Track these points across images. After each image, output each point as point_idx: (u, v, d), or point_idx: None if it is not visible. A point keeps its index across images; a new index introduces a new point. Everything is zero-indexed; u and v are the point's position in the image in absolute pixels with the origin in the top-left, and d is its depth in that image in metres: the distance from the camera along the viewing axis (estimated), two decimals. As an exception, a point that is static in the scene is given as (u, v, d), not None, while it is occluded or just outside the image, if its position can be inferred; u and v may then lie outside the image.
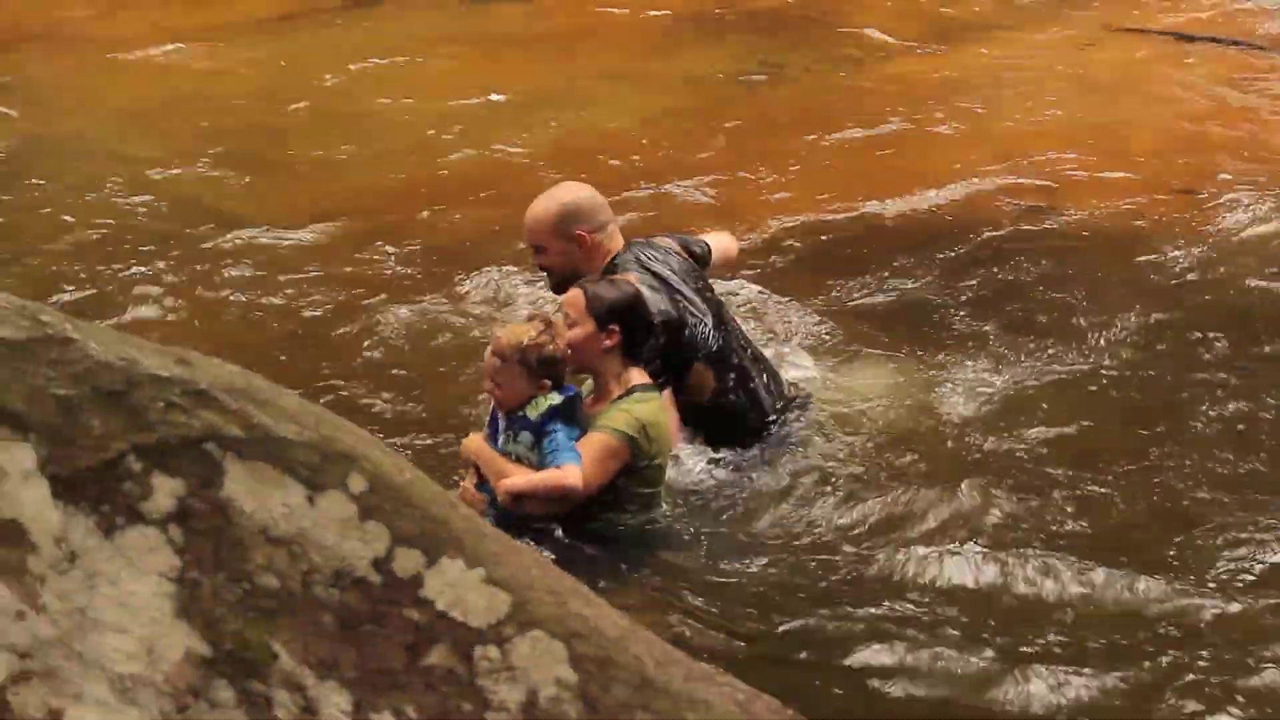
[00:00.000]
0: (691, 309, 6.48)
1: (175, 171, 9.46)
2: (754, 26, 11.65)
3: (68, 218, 8.80)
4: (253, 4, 12.60)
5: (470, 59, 11.22)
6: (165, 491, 3.23)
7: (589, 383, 6.13)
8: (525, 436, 5.80)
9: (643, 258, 6.52)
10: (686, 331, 6.38)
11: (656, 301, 6.32)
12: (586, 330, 5.98)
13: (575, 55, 11.29)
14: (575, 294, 6.06)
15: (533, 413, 5.79)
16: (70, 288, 7.93)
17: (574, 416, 5.83)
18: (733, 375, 6.46)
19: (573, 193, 6.58)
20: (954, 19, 11.87)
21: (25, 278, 7.98)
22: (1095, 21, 12.01)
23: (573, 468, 5.70)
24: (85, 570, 3.25)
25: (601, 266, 6.46)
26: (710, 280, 6.77)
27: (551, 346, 5.81)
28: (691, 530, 6.04)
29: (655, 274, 6.47)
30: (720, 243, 7.09)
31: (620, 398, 5.98)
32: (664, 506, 6.08)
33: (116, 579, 3.24)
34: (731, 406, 6.47)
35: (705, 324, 6.47)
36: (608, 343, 5.98)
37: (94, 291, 7.89)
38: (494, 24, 11.97)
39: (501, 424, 5.88)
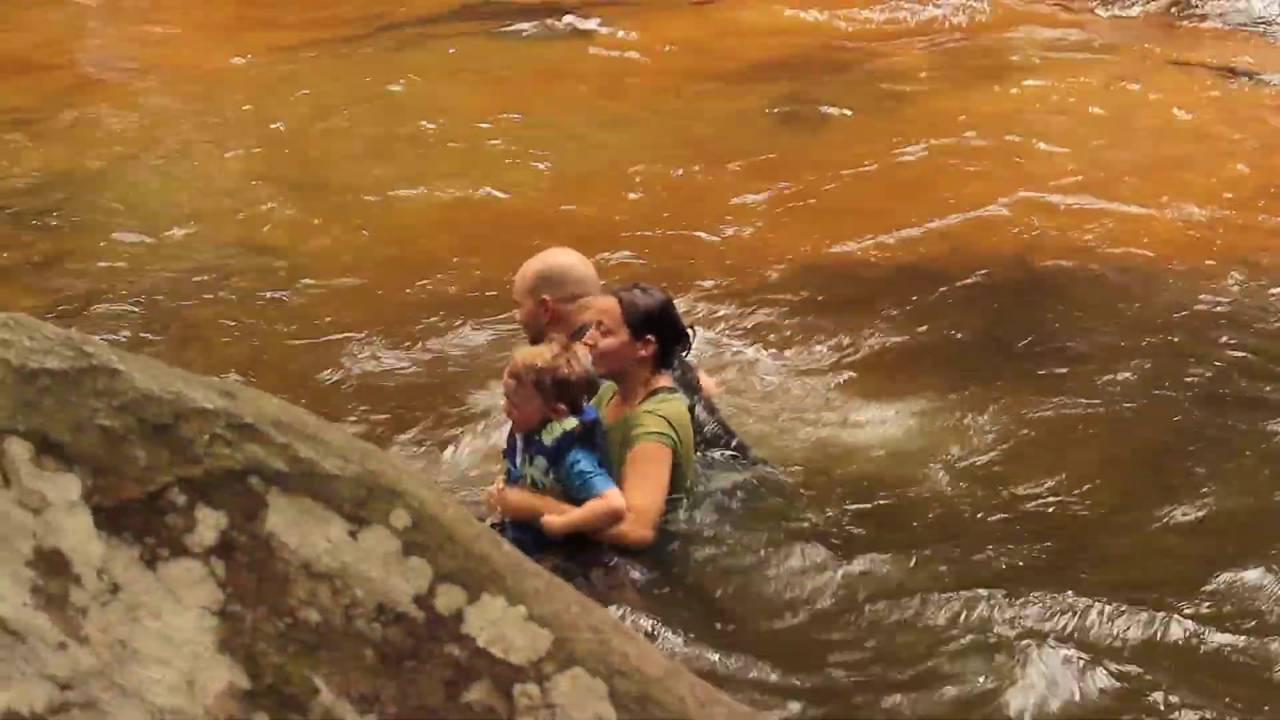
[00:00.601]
0: None
1: (208, 200, 9.50)
2: (785, 69, 11.59)
3: (106, 246, 8.83)
4: (284, 31, 12.65)
5: (497, 92, 11.20)
6: (209, 524, 3.23)
7: (606, 386, 6.13)
8: (540, 461, 5.79)
9: None
10: None
11: None
12: (621, 339, 5.99)
13: (608, 94, 11.27)
14: (610, 302, 6.07)
15: (548, 438, 5.77)
16: (106, 309, 7.99)
17: (594, 441, 5.81)
18: None
19: (557, 260, 6.68)
20: (989, 58, 11.81)
21: (65, 302, 8.03)
22: (1137, 59, 11.93)
23: (612, 490, 5.72)
24: (127, 602, 3.26)
25: (570, 334, 6.44)
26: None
27: (567, 369, 5.78)
28: (713, 558, 6.02)
29: None
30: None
31: (643, 400, 5.98)
32: (690, 515, 6.06)
33: (158, 611, 3.25)
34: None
35: None
36: (643, 353, 5.99)
37: (132, 320, 7.93)
38: (524, 59, 11.96)
39: (519, 445, 5.88)
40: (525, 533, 5.72)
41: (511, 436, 5.94)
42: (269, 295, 8.24)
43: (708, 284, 8.31)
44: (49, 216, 9.25)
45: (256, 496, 3.21)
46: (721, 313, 8.00)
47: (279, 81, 11.46)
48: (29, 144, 10.29)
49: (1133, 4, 13.19)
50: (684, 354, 6.24)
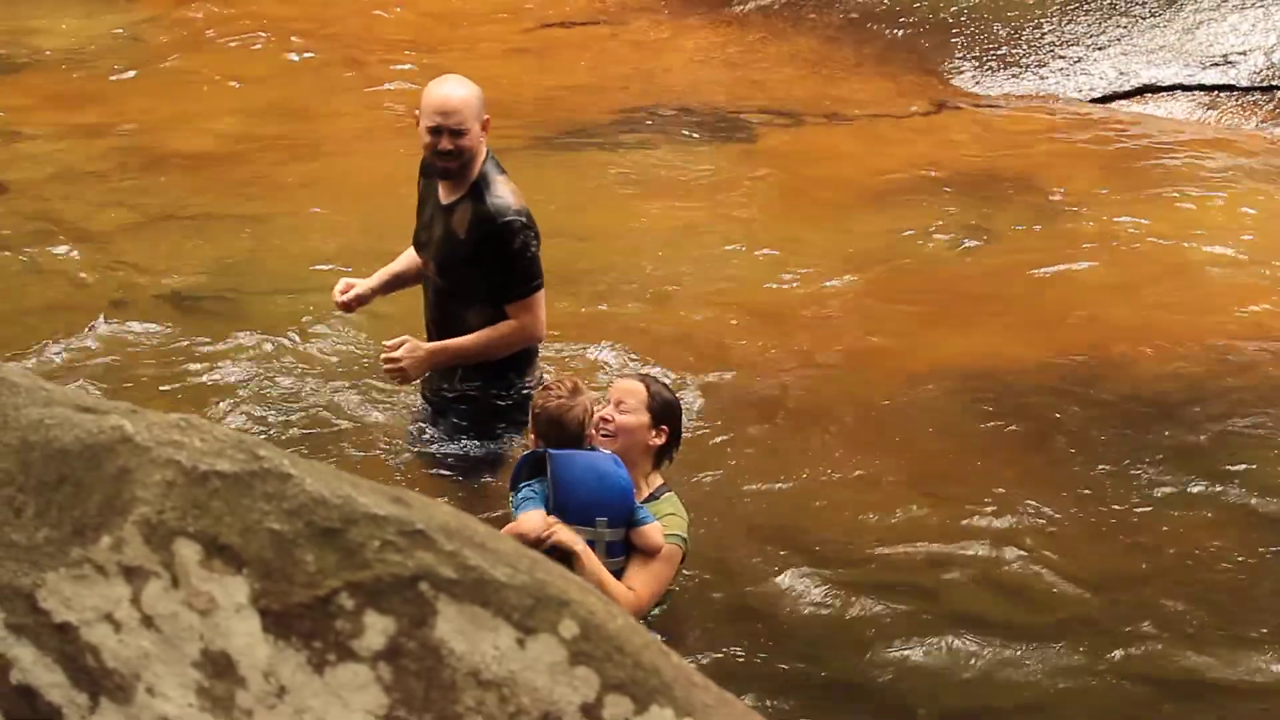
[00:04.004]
0: None
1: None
2: (959, 185, 11.46)
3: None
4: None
5: (674, 200, 11.17)
6: (377, 630, 3.24)
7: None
8: None
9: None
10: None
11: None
12: (640, 421, 6.18)
13: (784, 203, 11.20)
14: (636, 385, 6.28)
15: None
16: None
17: (546, 474, 5.91)
18: None
19: (469, 82, 7.05)
20: (1164, 178, 11.62)
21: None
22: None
23: (524, 516, 5.86)
24: (294, 706, 3.26)
25: (482, 160, 6.99)
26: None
27: (542, 401, 6.02)
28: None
29: None
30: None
31: (652, 498, 6.17)
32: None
33: (324, 715, 3.25)
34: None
35: None
36: (654, 441, 6.18)
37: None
38: (705, 165, 11.91)
39: None
40: None
41: None
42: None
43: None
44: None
45: (426, 603, 3.21)
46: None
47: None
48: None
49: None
50: (670, 460, 6.33)
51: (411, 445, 7.46)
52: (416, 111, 7.03)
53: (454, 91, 6.91)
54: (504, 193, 7.00)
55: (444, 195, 7.10)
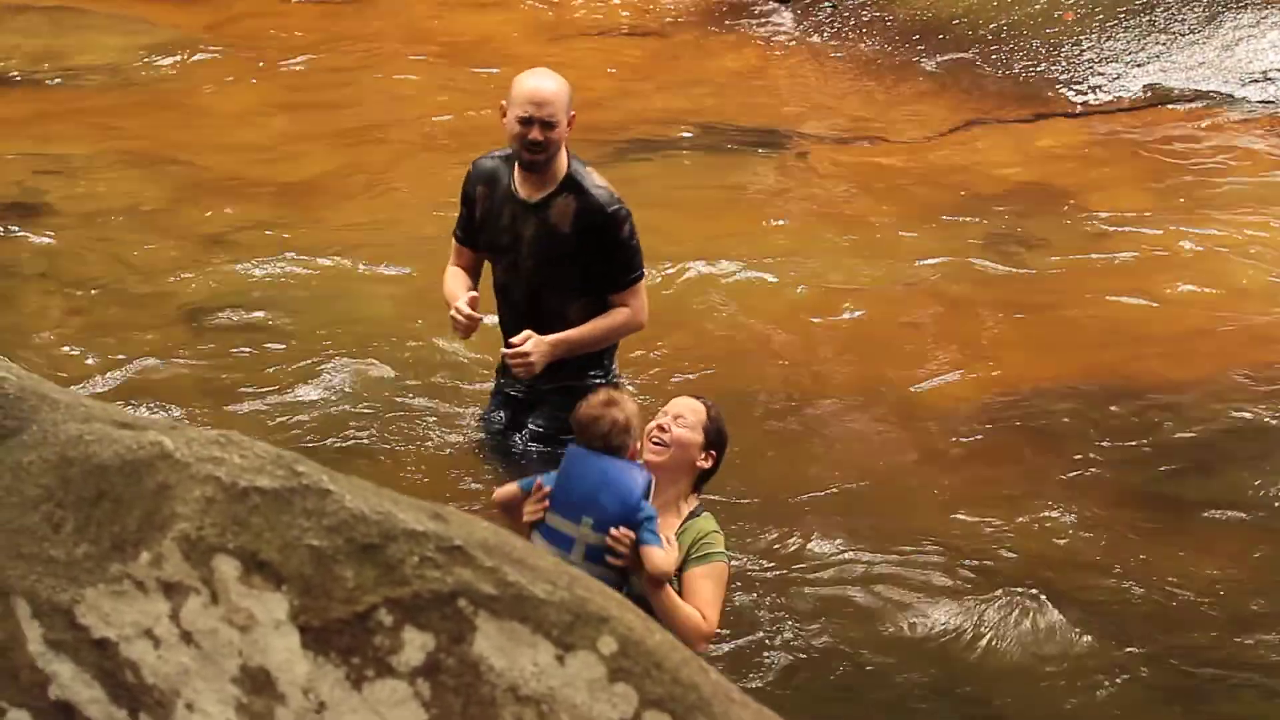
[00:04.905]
0: None
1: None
2: (997, 201, 11.35)
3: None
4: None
5: (699, 213, 11.14)
6: (416, 646, 3.24)
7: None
8: None
9: None
10: None
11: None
12: (695, 439, 6.13)
13: (822, 220, 11.14)
14: (697, 404, 6.22)
15: None
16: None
17: (559, 465, 5.91)
18: None
19: (559, 75, 7.05)
20: (1203, 194, 11.51)
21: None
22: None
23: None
24: (332, 721, 3.27)
25: (566, 156, 7.02)
26: None
27: (580, 403, 5.98)
28: None
29: None
30: None
31: (691, 518, 6.06)
32: None
33: (363, 731, 3.26)
34: None
35: None
36: (701, 463, 6.14)
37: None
38: (747, 181, 11.85)
39: None
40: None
41: None
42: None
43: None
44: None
45: (465, 619, 3.21)
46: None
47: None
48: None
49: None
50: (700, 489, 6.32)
51: (497, 447, 7.44)
52: (504, 102, 7.00)
53: (546, 83, 6.91)
54: (602, 183, 7.06)
55: (526, 193, 7.06)
